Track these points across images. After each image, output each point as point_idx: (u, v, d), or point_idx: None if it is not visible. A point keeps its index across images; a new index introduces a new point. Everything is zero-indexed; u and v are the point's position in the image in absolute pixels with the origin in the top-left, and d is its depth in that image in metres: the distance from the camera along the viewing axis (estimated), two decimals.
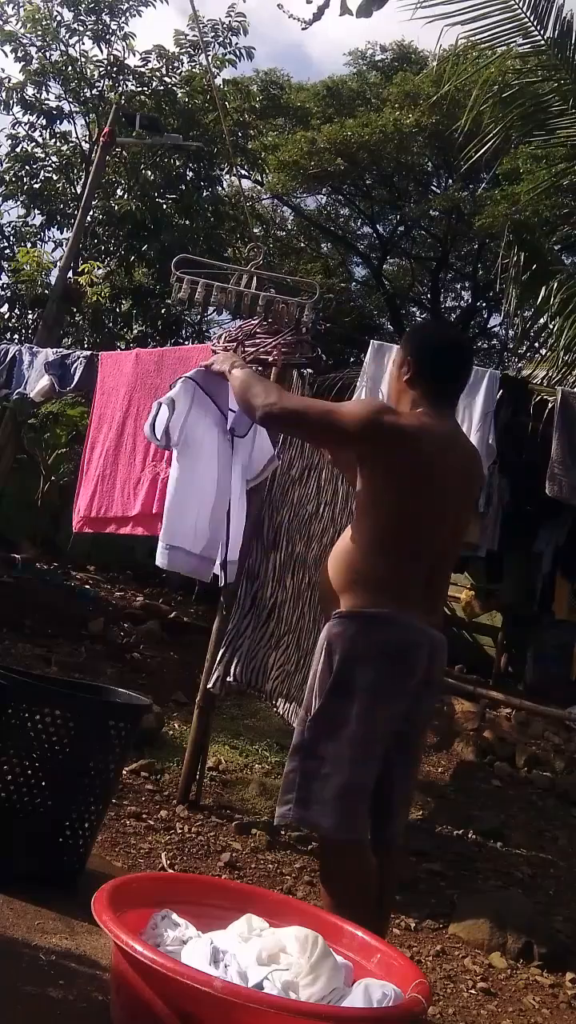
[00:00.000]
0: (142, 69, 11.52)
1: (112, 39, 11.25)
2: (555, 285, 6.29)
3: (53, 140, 11.94)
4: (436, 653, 2.38)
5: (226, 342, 4.04)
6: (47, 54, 11.23)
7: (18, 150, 11.67)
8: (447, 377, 2.50)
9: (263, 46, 21.99)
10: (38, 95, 11.38)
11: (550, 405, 4.54)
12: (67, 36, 11.21)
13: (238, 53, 11.42)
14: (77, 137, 12.06)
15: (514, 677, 8.75)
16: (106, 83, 11.51)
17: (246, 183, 15.61)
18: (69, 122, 11.93)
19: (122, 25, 11.22)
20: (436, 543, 2.37)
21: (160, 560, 3.21)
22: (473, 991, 2.92)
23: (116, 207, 11.10)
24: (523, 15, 6.00)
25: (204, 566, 3.29)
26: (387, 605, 2.29)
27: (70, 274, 9.48)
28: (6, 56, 11.00)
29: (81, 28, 11.19)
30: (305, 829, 2.33)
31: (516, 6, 5.97)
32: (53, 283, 9.54)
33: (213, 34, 11.29)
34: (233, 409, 2.98)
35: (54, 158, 11.93)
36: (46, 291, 9.73)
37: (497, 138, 6.36)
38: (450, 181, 16.29)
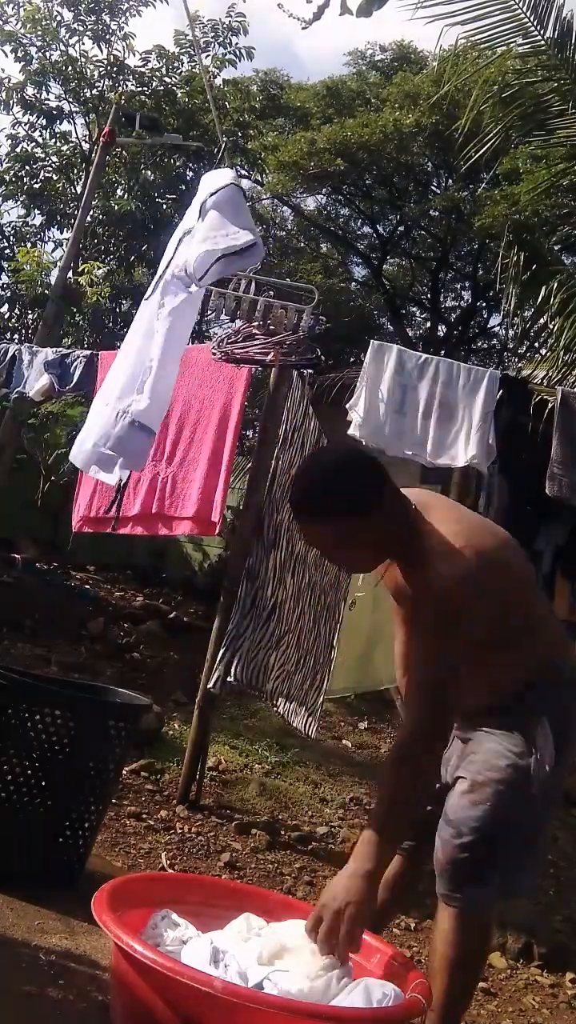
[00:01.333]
0: (142, 69, 11.53)
1: (112, 39, 11.26)
2: (555, 285, 6.30)
3: (53, 140, 11.94)
4: None
5: (226, 344, 4.04)
6: (47, 54, 11.23)
7: (18, 150, 11.68)
8: (381, 482, 1.99)
9: (262, 46, 21.96)
10: (38, 95, 11.38)
11: (550, 405, 4.55)
12: (67, 36, 11.22)
13: (238, 53, 11.42)
14: (77, 137, 12.07)
15: None
16: (106, 83, 11.51)
17: (246, 183, 15.60)
18: (69, 122, 11.95)
19: (122, 25, 11.23)
20: (538, 610, 2.19)
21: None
22: None
23: (116, 207, 11.10)
24: (523, 15, 6.01)
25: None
26: (548, 671, 2.12)
27: (70, 274, 9.48)
28: (6, 56, 11.01)
29: (81, 28, 11.20)
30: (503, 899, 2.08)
31: (516, 6, 5.97)
32: (53, 283, 9.53)
33: (213, 34, 11.29)
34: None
35: (54, 158, 11.93)
36: (46, 291, 9.72)
37: (497, 138, 6.37)
38: (450, 181, 16.29)
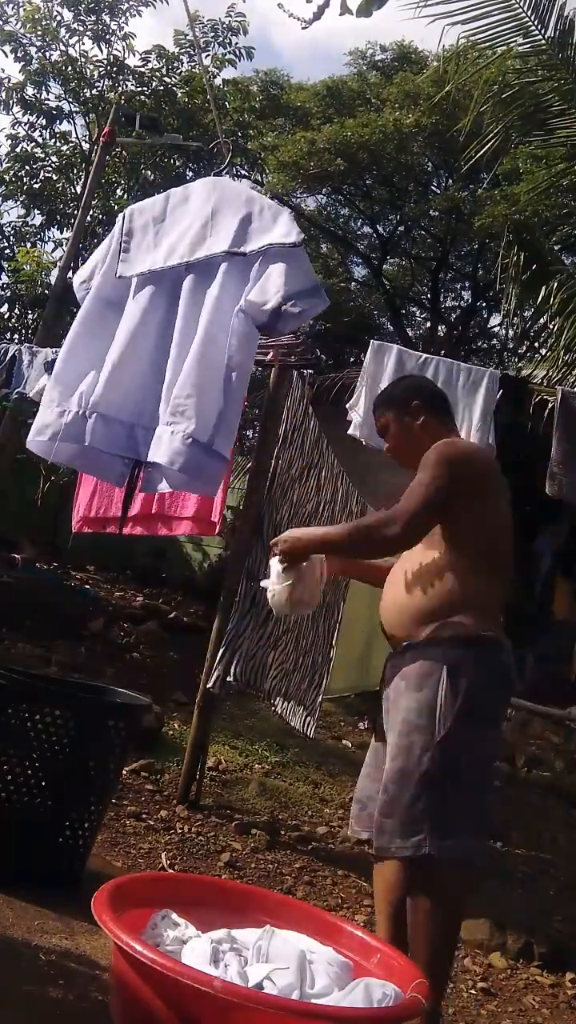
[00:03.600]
0: (142, 69, 11.51)
1: (112, 39, 11.25)
2: (555, 285, 6.30)
3: (53, 140, 11.93)
4: None
5: None
6: (47, 54, 11.21)
7: (18, 150, 11.66)
8: (446, 403, 2.70)
9: (263, 46, 21.97)
10: (38, 95, 11.36)
11: (550, 405, 4.54)
12: (67, 36, 11.20)
13: (238, 53, 11.41)
14: (77, 137, 12.05)
15: None
16: (106, 83, 11.50)
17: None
18: (69, 122, 11.92)
19: (122, 25, 11.22)
20: (507, 560, 2.45)
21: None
22: (473, 991, 2.92)
23: (116, 207, 11.09)
24: (524, 15, 6.01)
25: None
26: (493, 628, 2.34)
27: (70, 274, 9.47)
28: (6, 56, 10.99)
29: (81, 28, 11.18)
30: (439, 861, 2.19)
31: (517, 6, 5.98)
32: (53, 283, 9.53)
33: (213, 34, 11.28)
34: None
35: (54, 158, 11.91)
36: (46, 291, 9.71)
37: (497, 138, 6.37)
38: (450, 181, 16.29)
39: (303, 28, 3.08)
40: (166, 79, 11.64)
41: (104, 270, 3.08)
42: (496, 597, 2.39)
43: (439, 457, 2.40)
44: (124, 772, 3.65)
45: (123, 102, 10.78)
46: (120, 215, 3.16)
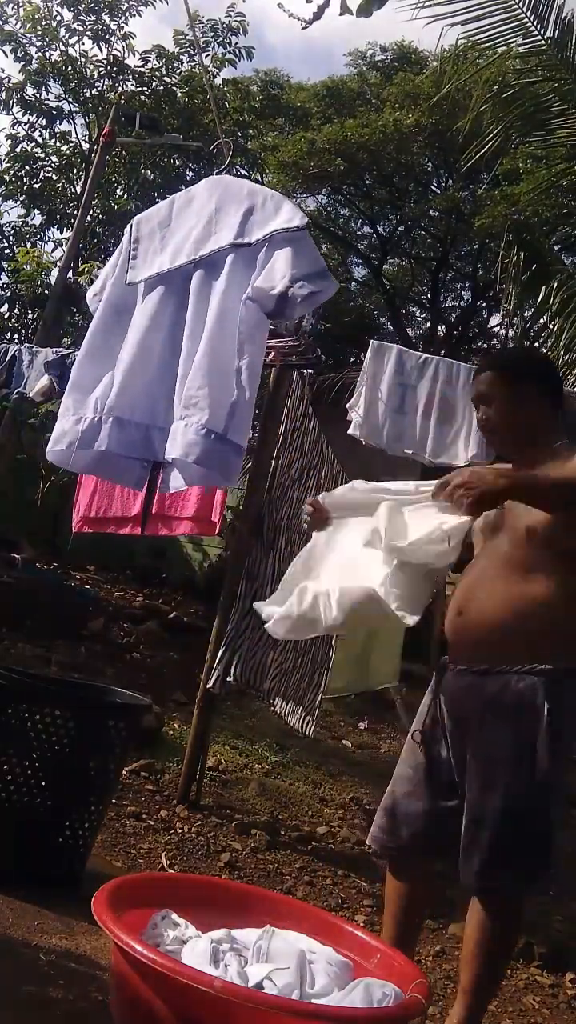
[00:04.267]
0: (142, 69, 11.52)
1: (112, 39, 11.26)
2: (555, 285, 6.29)
3: (53, 140, 11.95)
4: None
5: None
6: (47, 54, 11.23)
7: (18, 150, 11.68)
8: (560, 391, 2.38)
9: (262, 45, 21.96)
10: (38, 95, 11.39)
11: None
12: (67, 36, 11.21)
13: (238, 53, 11.41)
14: (77, 137, 12.07)
15: None
16: (106, 83, 11.51)
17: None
18: (69, 122, 11.95)
19: (122, 25, 11.23)
20: None
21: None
22: None
23: (116, 207, 11.10)
24: (523, 15, 6.00)
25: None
26: None
27: (70, 274, 9.48)
28: (6, 56, 11.02)
29: (81, 28, 11.19)
30: (517, 893, 2.19)
31: (516, 6, 5.97)
32: (53, 283, 9.53)
33: (213, 34, 11.28)
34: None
35: (54, 158, 11.93)
36: (46, 291, 9.72)
37: (497, 138, 6.37)
38: (450, 181, 16.29)
39: (303, 28, 3.08)
40: (166, 79, 11.65)
41: (114, 279, 3.10)
42: None
43: None
44: (124, 772, 3.65)
45: (123, 102, 10.79)
46: (128, 225, 3.18)
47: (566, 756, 2.19)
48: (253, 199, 2.78)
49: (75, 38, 11.25)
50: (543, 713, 2.11)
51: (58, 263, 10.09)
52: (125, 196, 11.46)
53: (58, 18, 11.14)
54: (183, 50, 11.65)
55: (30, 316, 10.90)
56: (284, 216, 2.67)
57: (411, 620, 2.06)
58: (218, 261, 2.78)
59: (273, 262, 2.62)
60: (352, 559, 2.19)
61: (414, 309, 19.49)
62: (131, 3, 11.13)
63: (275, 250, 2.64)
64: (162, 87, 11.59)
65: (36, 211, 11.82)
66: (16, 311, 11.23)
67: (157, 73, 11.58)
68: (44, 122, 11.65)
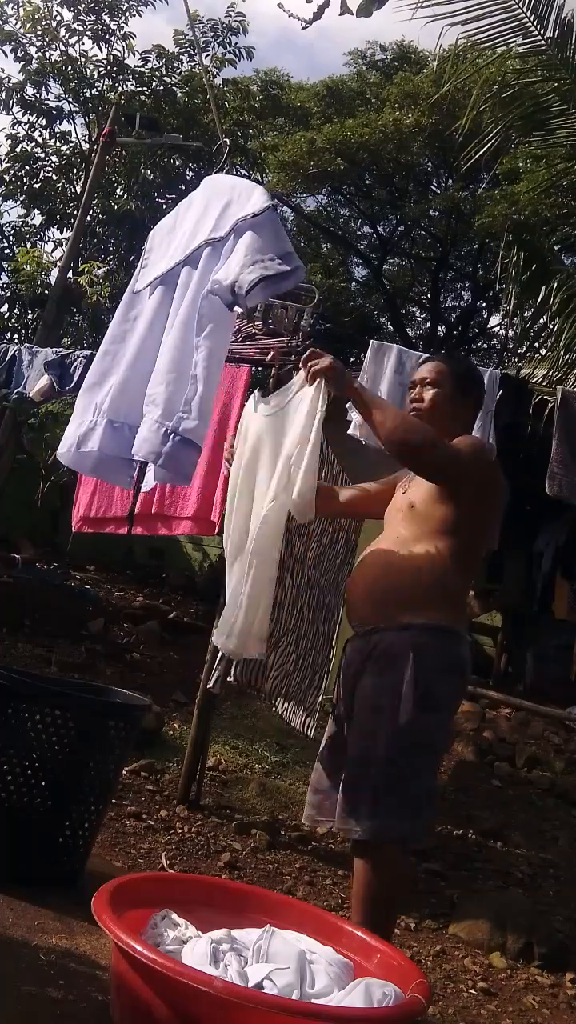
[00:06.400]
0: (142, 69, 11.52)
1: (112, 39, 11.25)
2: (555, 285, 6.28)
3: (53, 140, 11.93)
4: None
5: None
6: (47, 54, 11.22)
7: (18, 150, 11.66)
8: (480, 404, 2.80)
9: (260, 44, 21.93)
10: (38, 95, 11.37)
11: (550, 405, 4.54)
12: (67, 36, 11.21)
13: (238, 53, 11.41)
14: (77, 137, 12.06)
15: (514, 677, 8.74)
16: (106, 83, 11.51)
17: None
18: (69, 122, 11.93)
19: (122, 25, 11.22)
20: (484, 555, 2.60)
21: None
22: (473, 991, 2.92)
23: (116, 207, 11.09)
24: (523, 15, 5.99)
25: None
26: (461, 622, 2.48)
27: (70, 274, 9.47)
28: (6, 56, 11.00)
29: (81, 28, 11.19)
30: (378, 840, 2.27)
31: (516, 6, 5.96)
32: (53, 283, 9.53)
33: (213, 34, 11.28)
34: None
35: (54, 158, 11.92)
36: (46, 291, 9.71)
37: (497, 138, 6.36)
38: (450, 181, 16.28)
39: (303, 28, 3.08)
40: (166, 79, 11.64)
41: (128, 289, 3.13)
42: (467, 590, 2.55)
43: (474, 451, 2.48)
44: (124, 772, 3.65)
45: (123, 102, 10.79)
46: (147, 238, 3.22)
47: (437, 707, 2.34)
48: (232, 192, 2.77)
49: (75, 38, 11.25)
50: (408, 665, 2.30)
51: (58, 263, 10.09)
52: (125, 196, 11.45)
53: (58, 18, 11.14)
54: (183, 50, 11.65)
55: (30, 316, 10.89)
56: (251, 204, 2.65)
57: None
58: (197, 258, 2.78)
59: (234, 253, 2.60)
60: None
61: (414, 309, 19.48)
62: (131, 3, 11.13)
63: (237, 239, 2.63)
64: (162, 87, 11.58)
65: (36, 211, 11.81)
66: (16, 311, 11.22)
67: (157, 73, 11.58)
68: (44, 122, 11.63)
